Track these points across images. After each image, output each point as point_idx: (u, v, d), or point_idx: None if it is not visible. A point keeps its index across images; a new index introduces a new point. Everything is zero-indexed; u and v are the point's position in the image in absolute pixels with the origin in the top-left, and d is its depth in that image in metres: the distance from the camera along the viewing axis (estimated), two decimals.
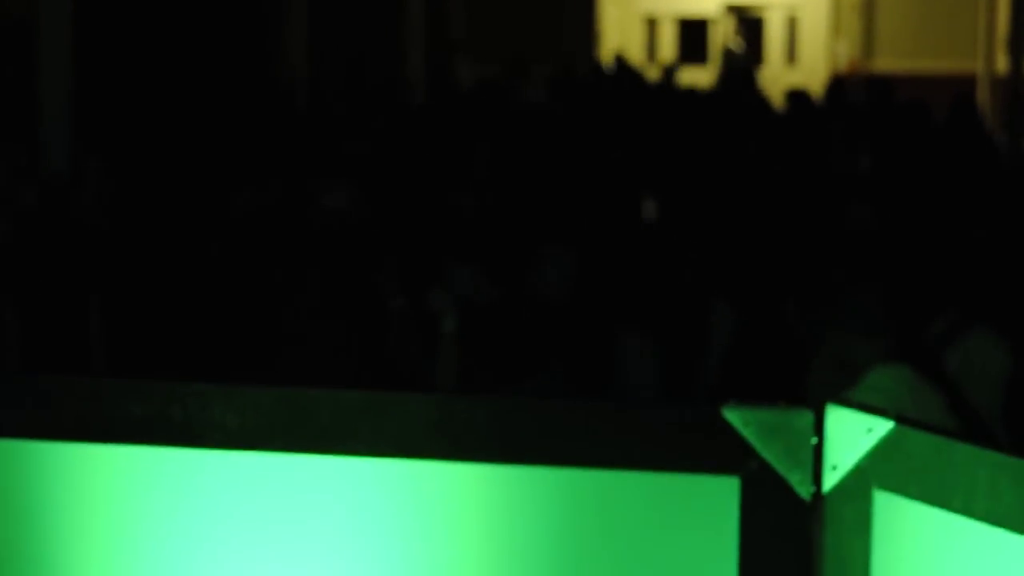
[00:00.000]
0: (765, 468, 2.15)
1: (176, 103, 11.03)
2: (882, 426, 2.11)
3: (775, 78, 20.53)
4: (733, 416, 2.15)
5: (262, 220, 6.96)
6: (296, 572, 2.23)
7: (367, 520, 2.22)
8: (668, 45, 23.16)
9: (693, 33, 22.89)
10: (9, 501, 2.26)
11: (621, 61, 17.91)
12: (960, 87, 18.12)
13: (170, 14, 12.77)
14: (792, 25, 23.02)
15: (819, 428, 2.15)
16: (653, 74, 18.25)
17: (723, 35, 21.58)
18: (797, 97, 12.98)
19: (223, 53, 13.30)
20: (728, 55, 19.46)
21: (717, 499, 2.16)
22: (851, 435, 2.13)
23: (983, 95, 19.92)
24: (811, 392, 5.18)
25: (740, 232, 7.66)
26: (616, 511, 2.18)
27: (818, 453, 2.15)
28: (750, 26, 21.94)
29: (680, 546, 2.17)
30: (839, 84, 13.67)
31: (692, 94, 15.30)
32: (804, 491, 2.15)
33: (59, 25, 9.41)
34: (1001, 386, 5.55)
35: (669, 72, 17.56)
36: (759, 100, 14.55)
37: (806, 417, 2.15)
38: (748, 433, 2.15)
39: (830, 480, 2.14)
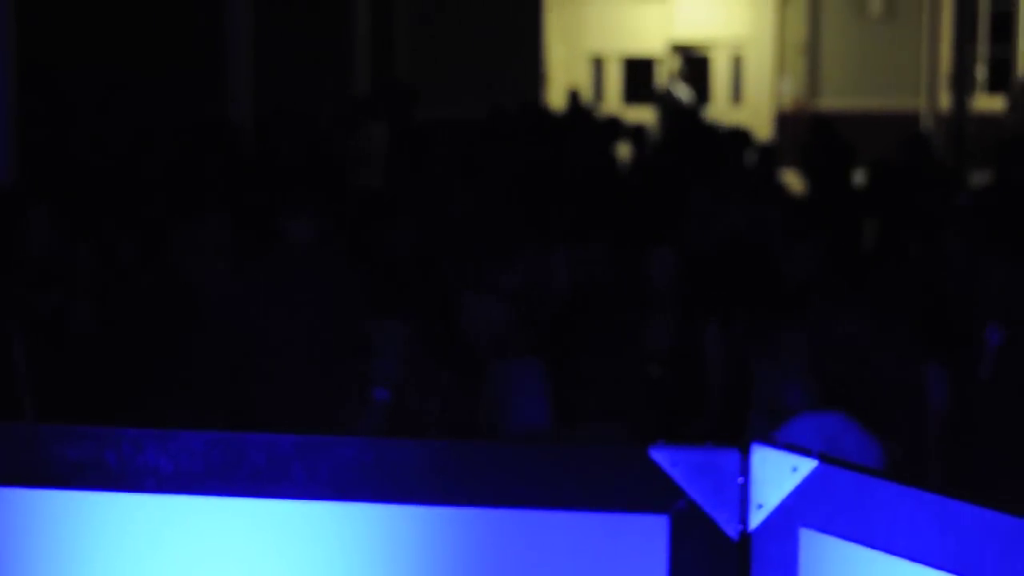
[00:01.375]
0: (693, 507, 2.18)
1: (118, 140, 10.99)
2: (806, 465, 2.15)
3: (721, 116, 20.66)
4: (661, 456, 2.19)
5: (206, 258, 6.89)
6: None
7: (302, 563, 2.24)
8: (614, 84, 23.29)
9: (639, 72, 23.02)
10: None
11: (575, 98, 17.98)
12: (904, 124, 18.33)
13: (114, 49, 12.75)
14: (737, 64, 23.19)
15: (745, 467, 2.18)
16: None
17: (668, 74, 21.70)
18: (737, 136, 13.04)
19: (167, 92, 13.29)
20: (666, 97, 19.51)
21: (646, 538, 2.19)
22: (776, 474, 2.17)
23: (926, 132, 20.14)
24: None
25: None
26: (547, 551, 2.21)
27: (745, 492, 2.18)
28: (695, 65, 22.06)
29: None
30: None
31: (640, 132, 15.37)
32: (731, 530, 2.18)
33: (4, 59, 9.39)
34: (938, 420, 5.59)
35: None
36: (705, 141, 14.62)
37: (732, 457, 2.18)
38: (675, 473, 2.18)
39: (756, 519, 2.18)
